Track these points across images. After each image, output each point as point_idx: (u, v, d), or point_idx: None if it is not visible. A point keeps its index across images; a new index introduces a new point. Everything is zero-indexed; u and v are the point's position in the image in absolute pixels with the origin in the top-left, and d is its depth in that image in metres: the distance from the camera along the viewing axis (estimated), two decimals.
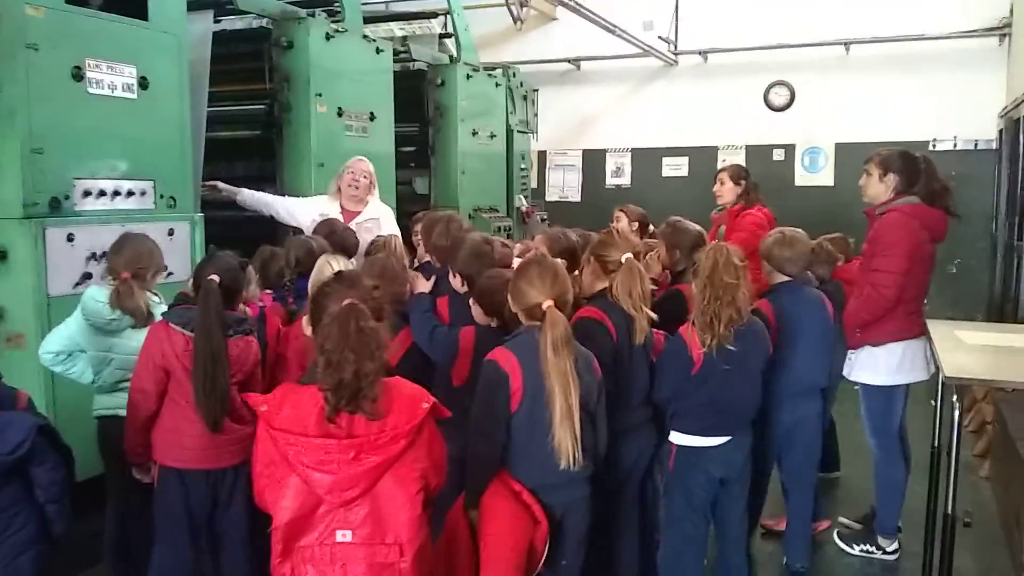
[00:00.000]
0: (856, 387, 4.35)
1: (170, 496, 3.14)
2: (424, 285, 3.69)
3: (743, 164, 9.82)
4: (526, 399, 2.77)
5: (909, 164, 4.20)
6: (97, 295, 3.38)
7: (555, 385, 2.71)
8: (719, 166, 10.39)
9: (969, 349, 3.90)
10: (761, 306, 3.81)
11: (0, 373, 2.89)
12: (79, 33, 4.00)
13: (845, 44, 10.22)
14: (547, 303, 2.78)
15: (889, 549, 4.31)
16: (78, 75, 3.98)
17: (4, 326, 3.87)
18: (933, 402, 4.30)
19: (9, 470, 2.67)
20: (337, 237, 4.28)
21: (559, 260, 3.15)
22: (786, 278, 4.04)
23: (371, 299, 2.47)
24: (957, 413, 3.26)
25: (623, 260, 3.32)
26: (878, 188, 4.25)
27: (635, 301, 3.27)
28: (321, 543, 2.34)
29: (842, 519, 4.64)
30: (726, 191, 6.00)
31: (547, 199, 11.49)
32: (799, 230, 4.16)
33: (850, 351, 4.24)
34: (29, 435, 2.67)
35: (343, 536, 2.34)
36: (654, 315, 3.31)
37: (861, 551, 4.37)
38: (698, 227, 4.25)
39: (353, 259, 4.55)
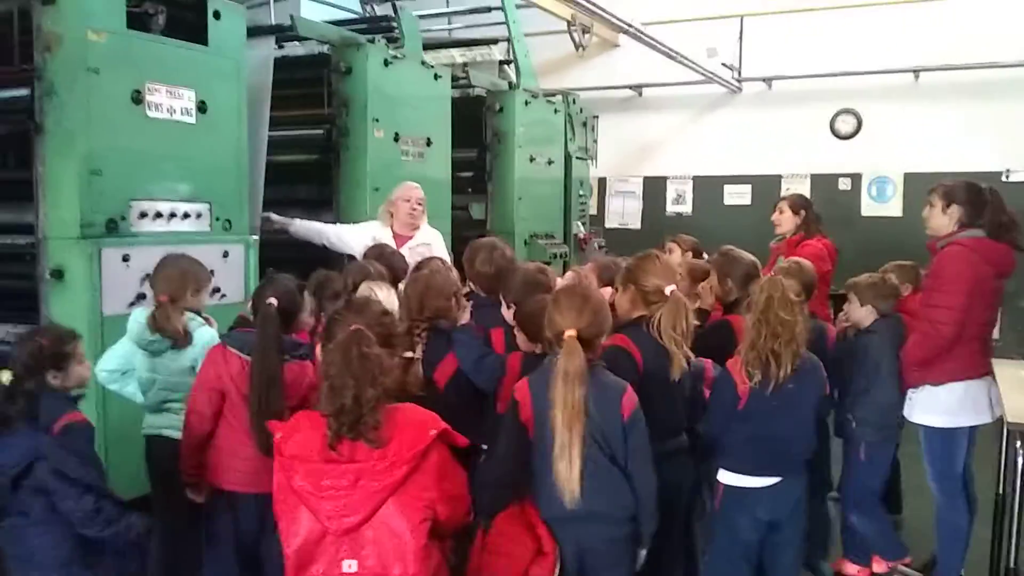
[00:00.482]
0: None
1: (220, 519, 3.15)
2: (465, 316, 3.60)
3: (806, 193, 9.72)
4: (537, 428, 2.74)
5: (974, 196, 4.04)
6: (140, 317, 3.45)
7: (558, 415, 2.64)
8: (784, 195, 10.26)
9: None
10: (735, 320, 3.80)
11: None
12: (140, 57, 4.07)
13: (914, 71, 9.99)
14: (569, 332, 2.73)
15: None
16: (138, 98, 4.05)
17: None
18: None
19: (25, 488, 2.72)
20: (385, 261, 4.26)
21: (603, 289, 3.08)
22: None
23: (379, 325, 2.48)
24: (1022, 460, 3.10)
25: (667, 292, 3.23)
26: (941, 220, 4.09)
27: (676, 337, 3.18)
28: (327, 573, 2.32)
29: (901, 567, 4.44)
30: (785, 220, 5.90)
31: (607, 226, 11.41)
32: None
33: (910, 390, 4.08)
34: (21, 461, 2.70)
35: (349, 567, 2.32)
36: (691, 354, 3.23)
37: None
38: (752, 257, 4.15)
39: (401, 284, 4.55)
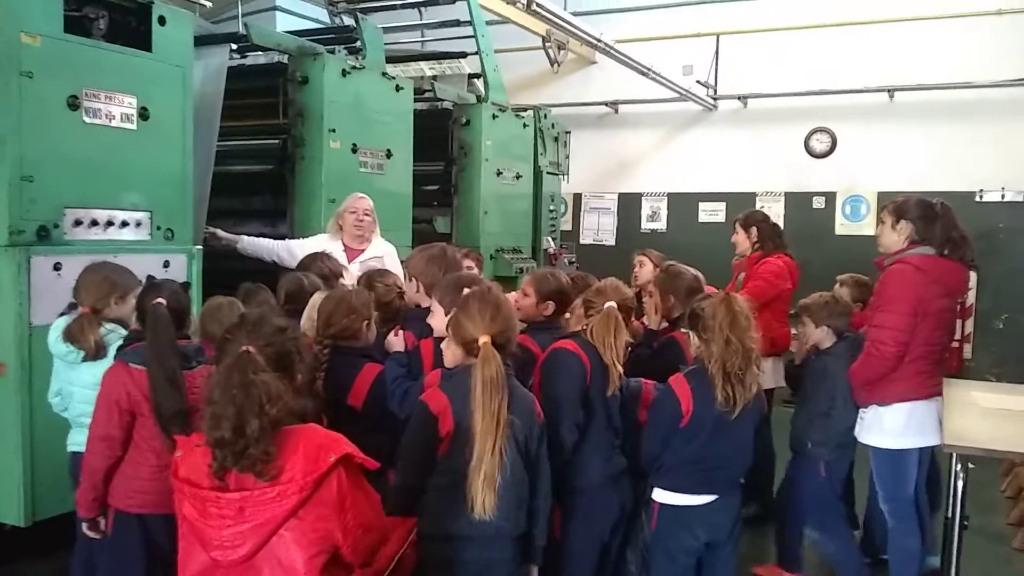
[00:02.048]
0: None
1: (127, 540, 3.01)
2: (397, 343, 3.39)
3: (780, 211, 9.69)
4: (456, 439, 2.60)
5: (924, 211, 3.92)
6: (60, 326, 3.35)
7: (479, 425, 2.52)
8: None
9: (982, 413, 3.65)
10: (680, 337, 3.71)
11: None
12: (77, 62, 3.99)
13: (889, 91, 10.00)
14: (483, 339, 2.62)
15: None
16: (74, 104, 3.96)
17: None
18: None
19: None
20: (318, 267, 4.16)
21: (511, 295, 3.01)
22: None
23: (273, 344, 2.22)
24: (961, 483, 3.02)
25: (605, 307, 3.19)
26: (891, 237, 3.98)
27: (607, 351, 3.14)
28: None
29: None
30: (740, 240, 5.81)
31: (581, 242, 11.38)
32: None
33: (860, 410, 3.99)
34: None
35: None
36: (621, 370, 3.18)
37: None
38: (694, 272, 4.07)
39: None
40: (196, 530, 2.12)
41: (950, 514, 3.80)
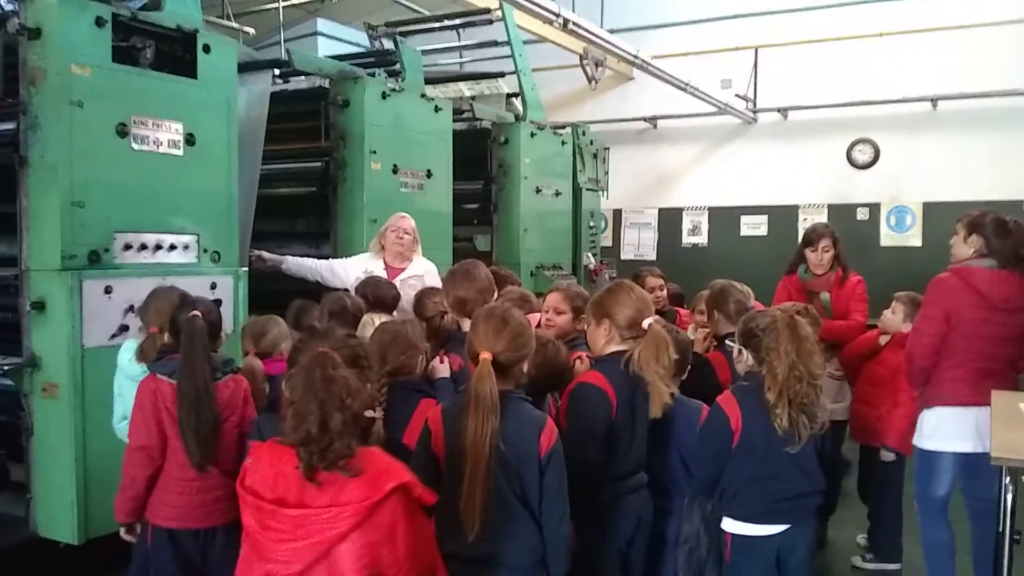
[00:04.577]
0: None
1: (161, 556, 3.07)
2: (443, 370, 3.38)
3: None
4: (447, 458, 2.57)
5: (998, 227, 3.98)
6: (130, 348, 3.44)
7: (467, 447, 2.47)
8: (800, 225, 10.17)
9: None
10: (713, 358, 3.66)
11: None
12: (125, 90, 4.10)
13: (932, 100, 9.90)
14: (484, 355, 2.57)
15: None
16: (123, 131, 4.07)
17: (40, 375, 3.93)
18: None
19: None
20: (370, 290, 4.23)
21: (530, 316, 2.95)
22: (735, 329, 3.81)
23: (346, 348, 2.32)
24: (1011, 496, 2.96)
25: (646, 326, 3.11)
26: (961, 249, 4.06)
27: (660, 371, 3.02)
28: None
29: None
30: (828, 258, 5.14)
31: (622, 257, 11.35)
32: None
33: None
34: None
35: None
36: (676, 390, 3.09)
37: None
38: (746, 288, 4.06)
39: (396, 314, 4.51)
40: (255, 542, 2.17)
41: (1000, 529, 3.73)
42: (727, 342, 3.36)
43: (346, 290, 4.65)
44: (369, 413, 2.63)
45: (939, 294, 3.93)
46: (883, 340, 4.81)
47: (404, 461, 2.76)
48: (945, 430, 3.95)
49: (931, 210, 9.91)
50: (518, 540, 2.58)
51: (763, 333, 3.05)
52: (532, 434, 2.59)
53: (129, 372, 3.43)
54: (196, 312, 3.04)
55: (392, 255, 5.19)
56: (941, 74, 9.83)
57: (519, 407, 2.64)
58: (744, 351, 3.16)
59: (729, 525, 3.12)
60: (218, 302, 3.45)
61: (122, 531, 3.23)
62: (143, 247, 4.21)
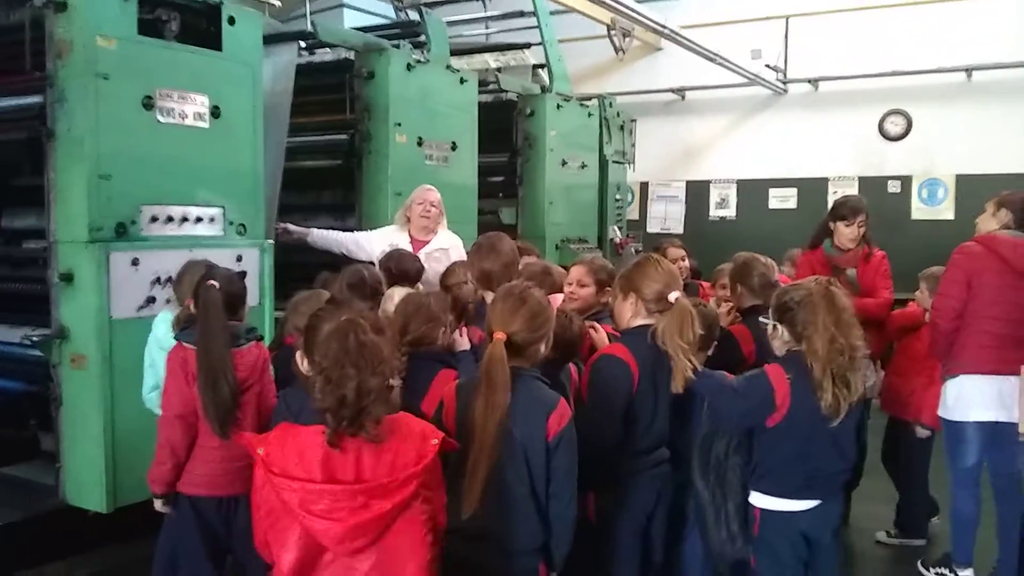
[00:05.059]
0: None
1: (184, 523, 3.12)
2: (463, 342, 3.38)
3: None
4: (457, 433, 2.58)
5: None
6: (166, 318, 3.47)
7: (474, 425, 2.48)
8: (830, 198, 10.03)
9: None
10: (736, 331, 3.64)
11: None
12: (151, 63, 4.10)
13: (967, 70, 9.68)
14: (497, 335, 2.58)
15: (961, 574, 4.23)
16: (149, 104, 4.08)
17: (68, 346, 3.97)
18: None
19: None
20: (393, 263, 4.24)
21: (553, 296, 2.93)
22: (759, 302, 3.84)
23: (368, 317, 2.32)
24: None
25: (671, 299, 3.09)
26: (989, 223, 4.15)
27: (683, 346, 2.98)
28: None
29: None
30: (860, 234, 4.98)
31: (648, 231, 11.26)
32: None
33: None
34: None
35: None
36: (698, 364, 3.05)
37: (936, 573, 4.40)
38: (769, 261, 4.03)
39: (420, 286, 4.51)
40: (310, 524, 2.16)
41: None
42: (760, 319, 3.27)
43: (371, 263, 4.66)
44: (390, 381, 2.66)
45: (962, 259, 4.02)
46: (927, 317, 4.76)
47: None
48: (968, 399, 4.01)
49: (964, 183, 9.73)
50: (517, 523, 2.57)
51: (798, 307, 2.98)
52: (540, 416, 2.58)
53: (164, 343, 3.43)
54: (212, 282, 3.04)
55: (418, 228, 5.19)
56: (975, 43, 9.59)
57: (531, 386, 2.63)
58: (779, 327, 3.06)
59: (759, 500, 3.08)
60: (242, 274, 3.43)
61: (159, 503, 3.24)
62: (169, 219, 4.23)
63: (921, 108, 10.08)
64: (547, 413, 2.58)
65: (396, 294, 3.68)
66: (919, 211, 10.14)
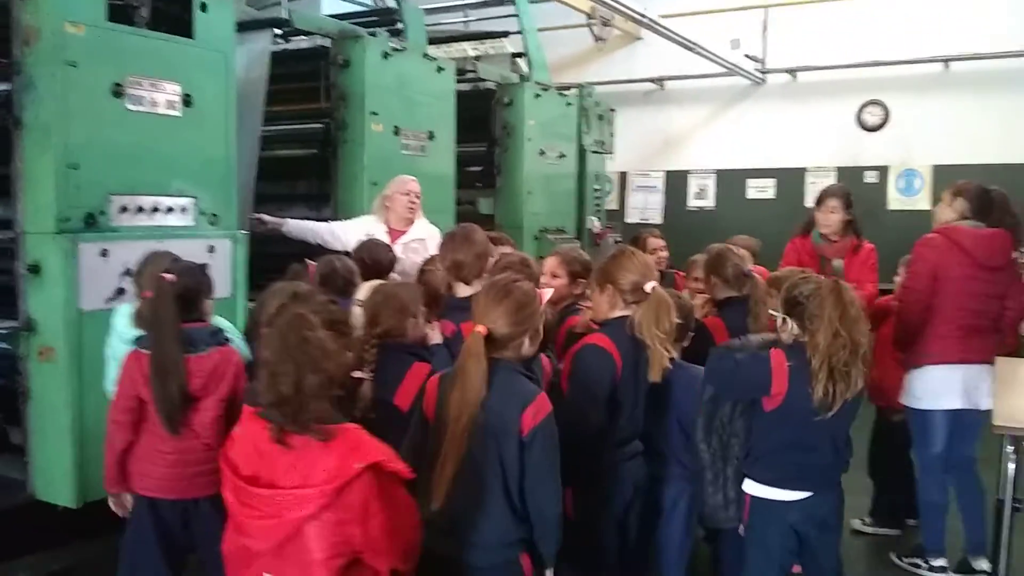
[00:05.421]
0: None
1: (141, 524, 3.08)
2: (436, 336, 3.33)
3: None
4: (433, 430, 2.57)
5: (981, 193, 4.16)
6: (125, 311, 3.42)
7: (449, 414, 2.46)
8: (808, 188, 10.08)
9: None
10: (710, 324, 3.63)
11: None
12: (120, 50, 4.01)
13: (944, 61, 9.74)
14: (477, 328, 2.55)
15: (935, 564, 4.31)
16: (118, 92, 3.99)
17: (36, 339, 3.90)
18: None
19: None
20: (366, 253, 4.19)
21: (540, 290, 2.90)
22: (733, 294, 3.88)
23: (324, 311, 2.28)
24: (1012, 464, 2.94)
25: (647, 289, 3.11)
26: (946, 212, 4.21)
27: (660, 335, 3.01)
28: None
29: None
30: (836, 221, 4.99)
31: (627, 221, 11.26)
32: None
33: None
34: None
35: None
36: (675, 354, 3.07)
37: (909, 563, 4.41)
38: (742, 251, 4.02)
39: (397, 276, 4.48)
40: (233, 516, 2.16)
41: (1000, 496, 3.73)
42: (770, 311, 3.28)
43: (347, 253, 4.62)
44: (357, 374, 2.63)
45: (927, 252, 4.07)
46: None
47: (394, 422, 2.77)
48: (935, 388, 4.08)
49: (941, 173, 9.77)
50: (486, 517, 2.53)
51: (807, 300, 3.00)
52: (515, 409, 2.52)
53: (124, 336, 3.39)
54: (167, 275, 2.97)
55: (400, 219, 5.15)
56: (953, 34, 9.65)
57: (509, 378, 2.58)
58: (788, 320, 3.08)
59: (751, 487, 3.11)
60: (203, 267, 3.33)
61: (111, 502, 3.23)
62: (140, 210, 4.15)
63: (898, 98, 10.12)
64: (522, 407, 2.52)
65: (366, 288, 3.63)
66: (896, 201, 10.20)
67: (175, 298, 2.98)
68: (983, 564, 4.17)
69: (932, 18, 9.74)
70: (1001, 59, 9.42)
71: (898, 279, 4.77)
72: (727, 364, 3.07)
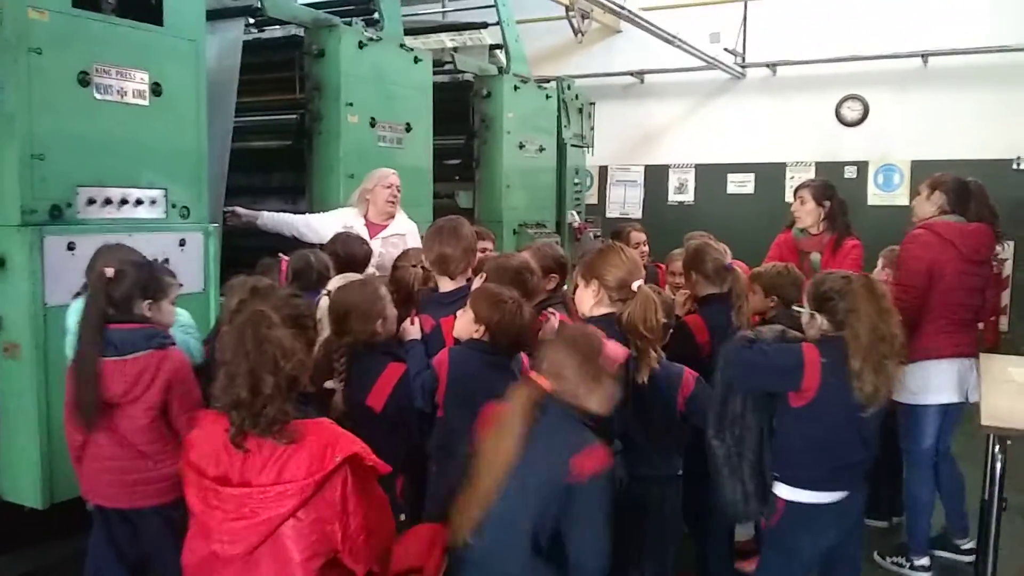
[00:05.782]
0: None
1: (99, 533, 3.01)
2: (413, 331, 3.24)
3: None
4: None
5: (959, 186, 4.16)
6: (77, 309, 3.28)
7: (484, 454, 2.34)
8: (788, 183, 10.06)
9: (1020, 389, 3.52)
10: (690, 321, 3.60)
11: None
12: (86, 37, 3.90)
13: (923, 56, 9.71)
14: (541, 380, 2.45)
15: (918, 563, 4.27)
16: (84, 80, 3.88)
17: (1, 335, 3.79)
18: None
19: None
20: (340, 246, 4.10)
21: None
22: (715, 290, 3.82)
23: (286, 307, 2.20)
24: (999, 463, 2.90)
25: (634, 287, 3.03)
26: (925, 207, 4.21)
27: (647, 335, 2.94)
28: None
29: None
30: (806, 213, 5.00)
31: (608, 215, 11.19)
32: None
33: None
34: None
35: None
36: (662, 353, 3.00)
37: (892, 563, 4.35)
38: (721, 246, 3.95)
39: (375, 270, 4.39)
40: (199, 521, 2.06)
41: (987, 495, 3.69)
42: (794, 307, 3.21)
43: (322, 246, 4.52)
44: (329, 384, 2.53)
45: (920, 250, 4.04)
46: None
47: (368, 424, 2.68)
48: (931, 384, 4.05)
49: (920, 168, 9.74)
50: (521, 556, 2.37)
51: (839, 296, 2.94)
52: (562, 456, 2.36)
53: (74, 333, 3.28)
54: (107, 269, 2.87)
55: (380, 212, 5.05)
56: (931, 29, 9.63)
57: (560, 425, 2.43)
58: (817, 316, 3.00)
59: (784, 491, 2.98)
60: (153, 264, 3.25)
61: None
62: (108, 202, 4.04)
63: (877, 93, 10.10)
64: (571, 454, 2.37)
65: (333, 284, 3.53)
66: (875, 197, 10.18)
67: (107, 297, 2.87)
68: (968, 544, 4.26)
69: (911, 13, 9.71)
70: (980, 54, 9.39)
71: (878, 272, 4.74)
72: (751, 354, 2.96)
